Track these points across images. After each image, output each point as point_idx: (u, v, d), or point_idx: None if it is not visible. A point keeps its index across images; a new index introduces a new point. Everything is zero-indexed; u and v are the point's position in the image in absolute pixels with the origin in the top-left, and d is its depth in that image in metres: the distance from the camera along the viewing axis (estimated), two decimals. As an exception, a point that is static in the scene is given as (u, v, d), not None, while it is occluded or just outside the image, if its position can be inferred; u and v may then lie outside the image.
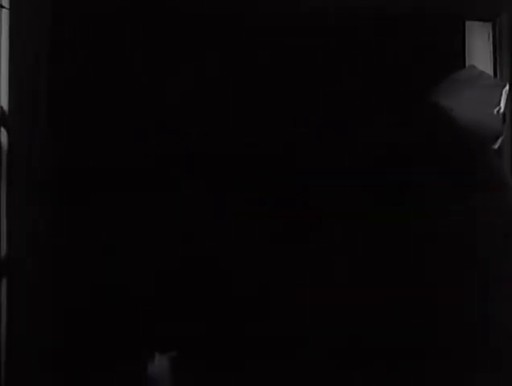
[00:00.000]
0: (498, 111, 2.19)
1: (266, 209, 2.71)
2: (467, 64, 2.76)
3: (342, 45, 2.86)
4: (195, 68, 2.80)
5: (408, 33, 2.76)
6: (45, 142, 2.35)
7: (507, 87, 2.21)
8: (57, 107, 2.48)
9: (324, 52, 2.87)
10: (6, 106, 2.22)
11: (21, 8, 2.28)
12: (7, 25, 2.24)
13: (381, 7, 2.66)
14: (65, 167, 2.59)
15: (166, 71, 2.76)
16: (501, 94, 2.20)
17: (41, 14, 2.33)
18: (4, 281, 2.23)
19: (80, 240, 2.62)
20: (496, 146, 2.17)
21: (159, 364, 2.49)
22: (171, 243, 2.68)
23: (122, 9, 2.67)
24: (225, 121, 2.77)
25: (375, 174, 2.26)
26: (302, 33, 2.82)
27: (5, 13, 2.24)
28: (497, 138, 2.17)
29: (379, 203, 2.26)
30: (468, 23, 2.81)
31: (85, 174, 2.60)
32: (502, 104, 2.19)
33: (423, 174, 2.20)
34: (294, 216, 2.72)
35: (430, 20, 2.75)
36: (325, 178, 2.52)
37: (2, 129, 2.22)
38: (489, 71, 2.74)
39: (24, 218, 2.31)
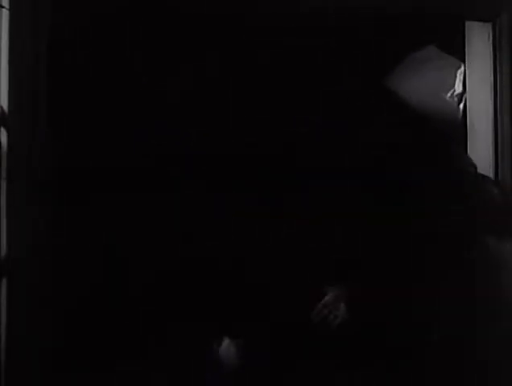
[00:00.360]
0: (453, 94, 2.13)
1: (266, 209, 2.71)
2: (467, 64, 2.77)
3: (342, 45, 2.86)
4: (194, 68, 2.80)
5: (408, 33, 2.76)
6: (45, 142, 2.35)
7: (462, 67, 2.16)
8: (57, 107, 2.48)
9: (324, 52, 2.87)
10: (6, 106, 2.22)
11: (21, 8, 2.28)
12: (7, 25, 2.24)
13: (381, 7, 2.66)
14: (65, 167, 2.59)
15: (165, 71, 2.76)
16: (455, 75, 2.14)
17: (41, 14, 2.33)
18: (4, 281, 2.23)
19: (80, 239, 2.61)
20: (453, 131, 2.14)
21: (226, 349, 2.53)
22: (172, 241, 2.68)
23: (122, 9, 2.67)
24: (224, 121, 2.77)
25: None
26: (302, 33, 2.82)
27: (5, 13, 2.24)
28: (453, 123, 2.12)
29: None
30: (468, 23, 2.81)
31: (85, 174, 2.60)
32: (457, 86, 2.14)
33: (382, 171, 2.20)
34: (294, 216, 2.72)
35: (430, 20, 2.75)
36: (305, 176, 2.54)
37: (2, 129, 2.22)
38: (489, 70, 2.75)
39: (24, 218, 2.30)
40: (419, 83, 2.09)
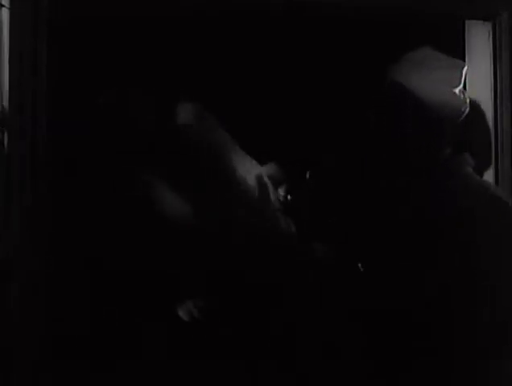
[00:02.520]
0: (460, 90, 2.29)
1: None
2: (467, 63, 2.77)
3: (340, 44, 2.87)
4: (193, 67, 2.81)
5: (408, 33, 2.76)
6: (45, 142, 2.35)
7: (466, 67, 2.31)
8: (57, 107, 2.49)
9: (320, 51, 2.88)
10: (6, 106, 2.23)
11: (21, 7, 2.28)
12: (7, 24, 2.24)
13: (380, 7, 2.66)
14: (65, 167, 2.60)
15: (162, 71, 2.77)
16: (461, 75, 2.30)
17: (41, 13, 2.33)
18: (4, 281, 2.24)
19: (80, 239, 2.62)
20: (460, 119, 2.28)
21: None
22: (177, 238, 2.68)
23: (120, 9, 2.67)
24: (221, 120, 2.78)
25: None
26: (298, 33, 2.83)
27: (5, 12, 2.24)
28: (463, 113, 2.29)
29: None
30: (468, 22, 2.81)
31: (85, 174, 2.61)
32: (461, 84, 2.31)
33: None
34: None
35: (430, 20, 2.75)
36: None
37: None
38: (489, 71, 2.75)
39: (24, 217, 2.31)
40: (427, 78, 2.23)
